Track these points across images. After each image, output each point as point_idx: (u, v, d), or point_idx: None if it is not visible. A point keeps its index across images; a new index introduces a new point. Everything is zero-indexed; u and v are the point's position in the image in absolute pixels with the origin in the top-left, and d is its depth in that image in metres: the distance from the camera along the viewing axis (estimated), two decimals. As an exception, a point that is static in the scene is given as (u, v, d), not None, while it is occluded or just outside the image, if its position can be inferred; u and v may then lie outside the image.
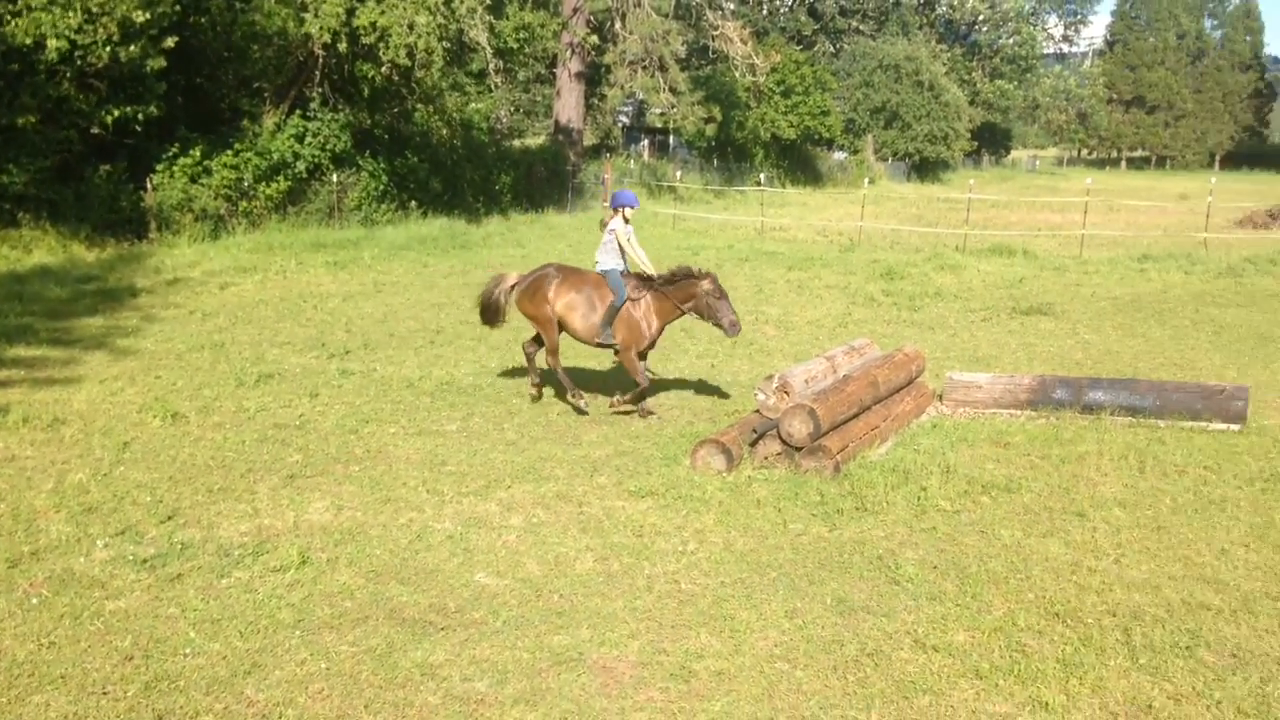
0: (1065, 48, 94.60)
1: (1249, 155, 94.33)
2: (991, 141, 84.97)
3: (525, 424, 10.38)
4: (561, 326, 10.83)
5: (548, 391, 11.66)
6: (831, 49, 72.37)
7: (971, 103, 72.80)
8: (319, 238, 24.51)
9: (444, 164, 30.99)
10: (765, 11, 69.95)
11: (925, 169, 65.73)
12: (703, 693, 5.26)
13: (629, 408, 10.65)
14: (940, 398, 10.98)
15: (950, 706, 5.11)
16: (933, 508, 7.81)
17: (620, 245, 10.65)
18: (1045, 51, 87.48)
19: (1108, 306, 17.71)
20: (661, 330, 10.72)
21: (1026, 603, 6.19)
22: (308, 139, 26.38)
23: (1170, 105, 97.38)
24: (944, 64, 70.64)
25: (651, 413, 10.56)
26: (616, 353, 10.84)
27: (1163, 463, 8.81)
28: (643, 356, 10.69)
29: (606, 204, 11.24)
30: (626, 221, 10.75)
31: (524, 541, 7.23)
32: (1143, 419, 10.03)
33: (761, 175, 39.78)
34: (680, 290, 10.39)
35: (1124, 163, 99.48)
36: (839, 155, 59.70)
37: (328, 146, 26.75)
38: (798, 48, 62.60)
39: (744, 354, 13.81)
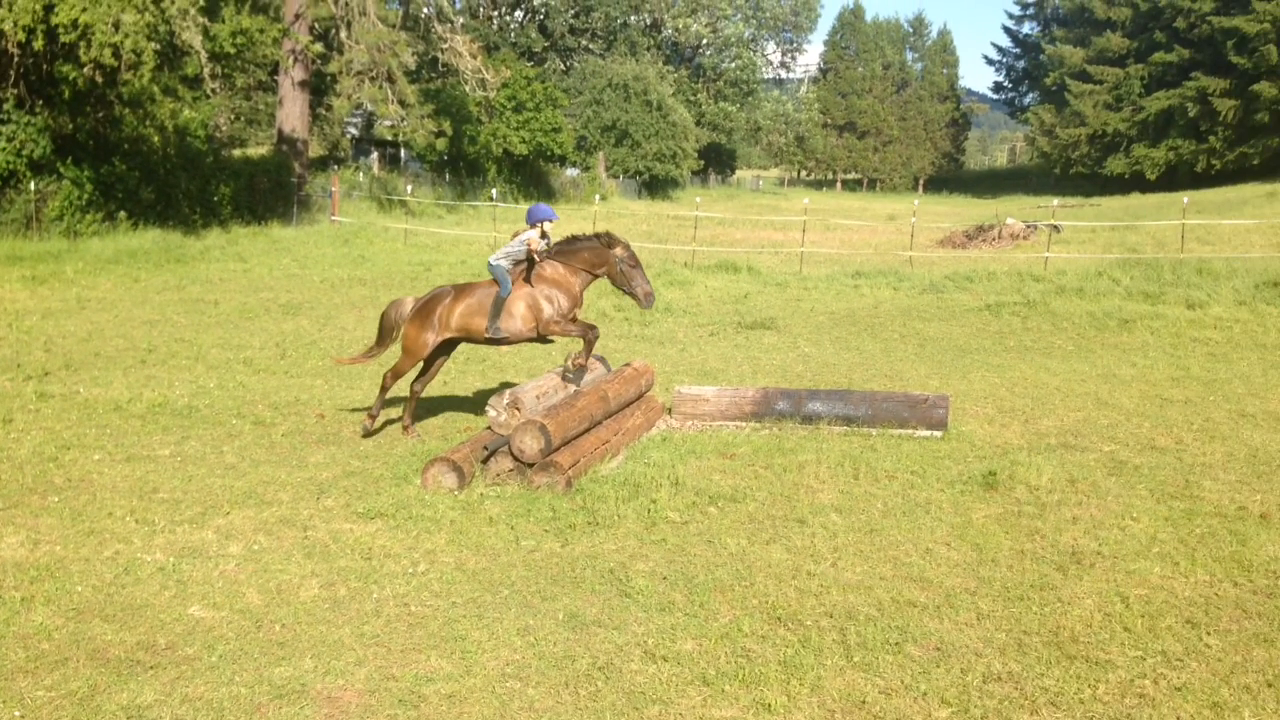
0: (783, 74, 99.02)
1: (948, 180, 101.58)
2: (718, 161, 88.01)
3: (246, 446, 9.91)
4: (469, 337, 10.32)
5: (274, 414, 11.21)
6: (562, 66, 73.18)
7: (698, 123, 75.17)
8: (15, 250, 22.78)
9: (156, 173, 29.35)
10: (496, 27, 70.05)
11: (655, 186, 67.36)
12: (433, 717, 5.14)
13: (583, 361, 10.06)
14: (669, 411, 11.22)
15: (679, 714, 5.19)
16: (662, 520, 7.95)
17: (519, 251, 10.12)
18: (765, 77, 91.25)
19: (825, 321, 18.62)
20: (580, 296, 10.19)
21: (751, 608, 6.38)
22: (0, 143, 24.43)
23: (879, 131, 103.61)
24: (671, 85, 72.65)
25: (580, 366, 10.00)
26: (547, 341, 10.40)
27: (874, 469, 9.29)
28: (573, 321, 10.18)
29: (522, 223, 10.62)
30: (544, 236, 10.24)
31: (243, 570, 6.88)
32: (857, 428, 10.56)
33: (494, 190, 39.74)
34: (593, 254, 10.04)
35: (839, 184, 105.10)
36: (571, 172, 60.37)
37: (24, 152, 24.91)
38: (529, 64, 62.94)
39: (476, 370, 13.70)
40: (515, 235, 10.42)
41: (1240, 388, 12.94)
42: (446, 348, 10.55)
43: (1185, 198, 35.35)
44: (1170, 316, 17.70)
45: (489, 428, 9.01)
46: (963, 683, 5.48)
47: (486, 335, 10.07)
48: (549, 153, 53.75)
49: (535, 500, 8.26)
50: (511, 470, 8.72)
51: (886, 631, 6.05)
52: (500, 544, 7.44)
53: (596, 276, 10.21)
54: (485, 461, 8.80)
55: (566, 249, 10.16)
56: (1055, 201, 47.28)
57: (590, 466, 9.06)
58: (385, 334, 10.72)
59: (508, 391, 9.02)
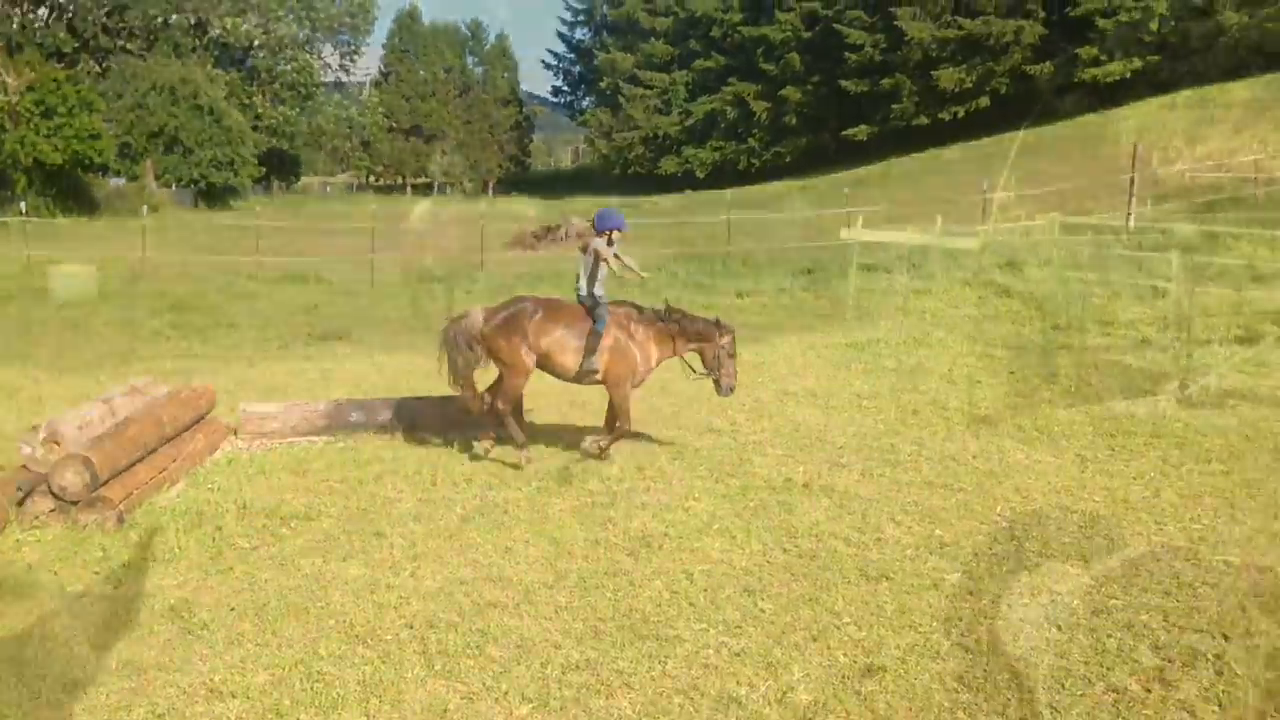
0: (344, 77, 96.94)
1: (517, 182, 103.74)
2: (281, 168, 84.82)
3: None
4: (547, 367, 9.43)
5: None
6: (98, 68, 67.71)
7: (255, 128, 72.05)
8: None
9: None
10: (17, 25, 63.50)
11: (213, 196, 63.82)
12: (-39, 803, 4.53)
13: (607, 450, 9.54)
14: (236, 432, 10.62)
15: (252, 755, 4.89)
16: (229, 547, 7.50)
17: (603, 267, 9.40)
18: (325, 80, 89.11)
19: (399, 327, 18.40)
20: (654, 367, 9.67)
21: (327, 630, 6.14)
22: None
23: (445, 135, 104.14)
24: (224, 88, 69.13)
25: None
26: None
27: (452, 473, 9.28)
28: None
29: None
30: (611, 244, 9.45)
31: None
32: (430, 434, 10.49)
33: (24, 204, 36.03)
34: (694, 330, 9.53)
35: (409, 188, 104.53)
36: (116, 181, 56.00)
37: None
38: (58, 65, 57.67)
39: (7, 404, 12.33)
40: (584, 248, 9.72)
41: (784, 369, 14.10)
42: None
43: (728, 195, 38.16)
44: (722, 305, 19.03)
45: (24, 465, 8.12)
46: (542, 676, 5.55)
47: (581, 369, 9.43)
48: (88, 161, 49.51)
49: (83, 541, 7.54)
50: (53, 510, 7.91)
51: (468, 635, 6.03)
52: (42, 594, 6.71)
53: (677, 354, 9.82)
54: (21, 504, 7.92)
55: (678, 323, 9.68)
56: (616, 201, 49.51)
57: (146, 498, 8.40)
58: (455, 365, 9.79)
59: (44, 424, 8.18)
